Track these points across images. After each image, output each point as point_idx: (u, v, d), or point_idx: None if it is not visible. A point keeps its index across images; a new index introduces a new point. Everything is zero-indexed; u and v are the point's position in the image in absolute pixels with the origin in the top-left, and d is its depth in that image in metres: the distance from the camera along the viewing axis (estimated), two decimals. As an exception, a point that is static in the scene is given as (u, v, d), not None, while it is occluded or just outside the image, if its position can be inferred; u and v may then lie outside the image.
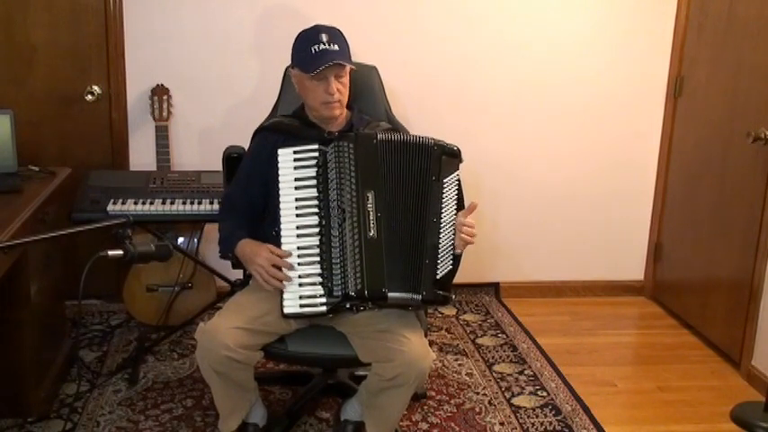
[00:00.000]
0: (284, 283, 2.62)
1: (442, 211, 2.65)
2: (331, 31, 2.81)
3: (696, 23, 4.31)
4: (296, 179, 2.65)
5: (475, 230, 2.68)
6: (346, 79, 2.82)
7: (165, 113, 3.99)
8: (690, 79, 4.39)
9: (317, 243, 2.62)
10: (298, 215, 2.64)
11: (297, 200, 2.65)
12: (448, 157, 2.69)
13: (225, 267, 3.36)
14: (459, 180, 2.71)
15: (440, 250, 2.64)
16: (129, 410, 3.27)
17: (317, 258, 2.62)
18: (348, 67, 2.81)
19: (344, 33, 2.85)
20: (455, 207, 2.69)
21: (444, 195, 2.66)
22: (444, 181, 2.67)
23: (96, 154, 4.11)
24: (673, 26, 4.45)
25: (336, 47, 2.76)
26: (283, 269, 2.62)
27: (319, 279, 2.61)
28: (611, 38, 4.42)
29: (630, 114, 4.55)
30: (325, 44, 2.75)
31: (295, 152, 2.67)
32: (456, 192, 2.69)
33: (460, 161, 2.71)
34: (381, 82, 3.26)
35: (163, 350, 3.82)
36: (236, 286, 3.05)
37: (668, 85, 4.52)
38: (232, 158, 3.09)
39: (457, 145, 2.72)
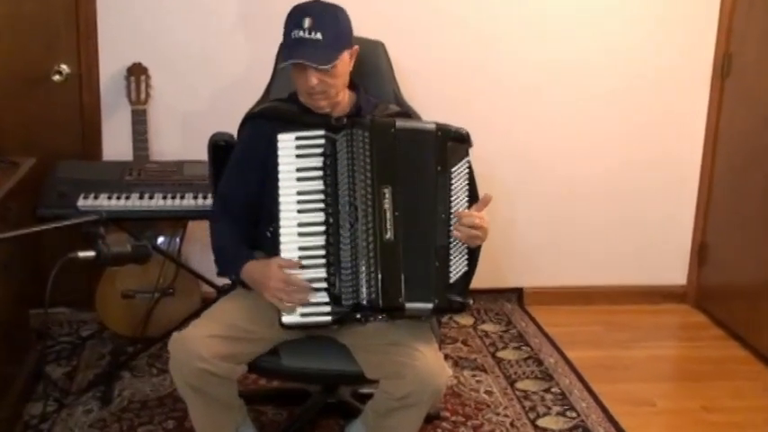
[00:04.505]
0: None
1: (451, 205, 2.64)
2: (318, 14, 2.74)
3: (746, -6, 4.31)
4: (298, 169, 2.63)
5: (479, 222, 2.62)
6: (336, 69, 2.75)
7: (142, 96, 3.98)
8: (739, 57, 4.37)
9: (323, 243, 2.61)
10: (300, 211, 2.63)
11: (299, 193, 2.63)
12: (454, 142, 2.66)
13: (211, 271, 3.33)
14: (469, 168, 2.68)
15: (451, 251, 2.63)
16: (103, 433, 3.27)
17: (323, 261, 2.60)
18: (342, 56, 2.76)
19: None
20: (467, 200, 2.66)
21: (453, 187, 2.64)
22: (452, 171, 2.65)
23: (65, 142, 4.10)
24: (720, -3, 4.45)
25: (319, 35, 2.71)
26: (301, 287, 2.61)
27: (324, 285, 2.60)
28: (648, 11, 4.41)
29: (671, 98, 4.54)
30: (305, 31, 2.71)
31: (297, 138, 2.65)
32: (467, 182, 2.67)
33: (470, 146, 2.68)
34: (389, 60, 3.25)
35: (140, 365, 3.81)
36: (223, 292, 3.04)
37: (714, 63, 4.51)
38: (219, 147, 3.07)
39: (465, 128, 2.68)
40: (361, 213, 2.57)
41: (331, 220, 2.61)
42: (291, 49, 2.72)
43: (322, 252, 2.61)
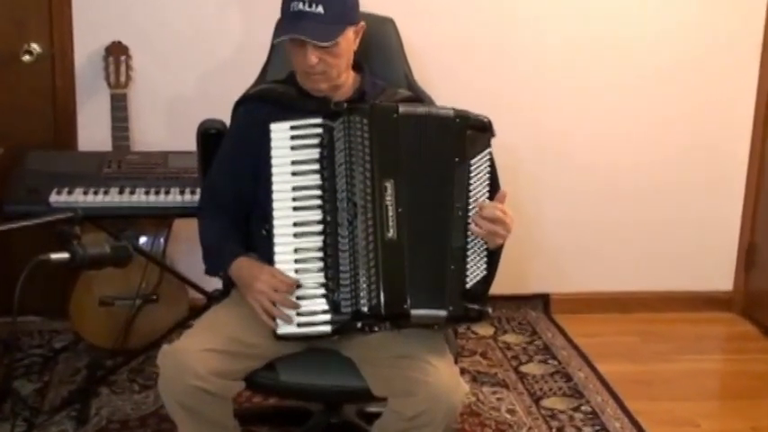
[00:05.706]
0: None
1: (470, 201, 2.63)
2: None
3: (801, -38, 4.30)
4: (293, 162, 2.64)
5: (501, 216, 2.59)
6: (339, 48, 2.76)
7: (122, 78, 3.98)
8: (793, 34, 4.37)
9: (321, 245, 2.61)
10: (295, 208, 2.63)
11: (294, 189, 2.63)
12: (474, 131, 2.65)
13: (199, 275, 3.33)
14: (491, 161, 2.67)
15: (468, 252, 2.62)
16: (78, 457, 3.28)
17: (321, 264, 2.61)
18: (345, 32, 2.77)
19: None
20: (487, 195, 2.66)
21: (472, 181, 2.63)
22: (471, 162, 2.64)
23: (35, 130, 4.11)
24: (770, -34, 4.44)
25: (320, 9, 2.71)
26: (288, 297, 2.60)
27: (323, 291, 2.60)
28: (691, -18, 4.42)
29: (715, 81, 4.54)
30: (304, 3, 2.71)
31: (292, 127, 2.65)
32: (487, 175, 2.66)
33: (492, 135, 2.67)
34: (399, 38, 3.25)
35: (120, 380, 3.82)
36: (214, 298, 3.04)
37: (764, 41, 4.51)
38: (209, 136, 3.09)
39: (486, 116, 2.68)
40: (360, 210, 2.56)
41: (329, 219, 2.61)
42: (289, 24, 2.73)
43: (319, 254, 2.61)
